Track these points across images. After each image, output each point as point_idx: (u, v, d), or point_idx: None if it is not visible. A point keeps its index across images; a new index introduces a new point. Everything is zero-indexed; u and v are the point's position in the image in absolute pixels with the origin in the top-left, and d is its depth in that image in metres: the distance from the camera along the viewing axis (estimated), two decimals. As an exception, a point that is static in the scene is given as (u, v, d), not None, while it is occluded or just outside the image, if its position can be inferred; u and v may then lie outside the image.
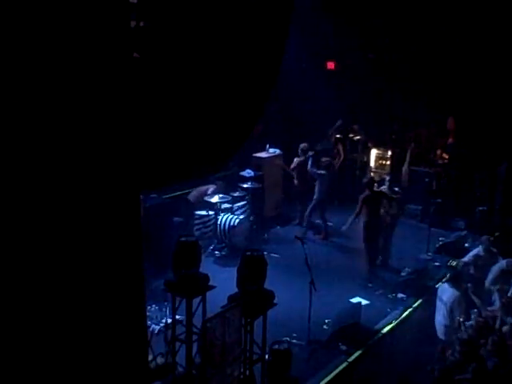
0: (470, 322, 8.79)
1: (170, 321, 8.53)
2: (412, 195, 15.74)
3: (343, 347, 9.97)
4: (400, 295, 11.80)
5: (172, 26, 4.29)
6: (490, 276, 10.23)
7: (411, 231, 14.79)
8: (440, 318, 9.48)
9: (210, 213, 13.51)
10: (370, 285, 12.17)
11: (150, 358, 7.94)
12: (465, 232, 14.66)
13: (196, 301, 7.72)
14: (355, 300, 11.31)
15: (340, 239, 14.45)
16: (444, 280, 10.43)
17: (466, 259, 10.99)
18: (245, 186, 14.45)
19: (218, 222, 13.37)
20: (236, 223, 13.29)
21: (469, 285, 9.72)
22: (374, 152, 17.37)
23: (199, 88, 4.52)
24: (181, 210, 13.42)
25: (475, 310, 9.22)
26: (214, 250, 13.36)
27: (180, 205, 13.54)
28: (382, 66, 17.56)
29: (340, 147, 17.14)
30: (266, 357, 7.95)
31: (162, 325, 9.06)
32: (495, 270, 10.28)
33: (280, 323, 9.49)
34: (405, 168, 15.90)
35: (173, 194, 13.58)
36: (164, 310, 9.14)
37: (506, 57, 15.35)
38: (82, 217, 3.48)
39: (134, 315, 3.94)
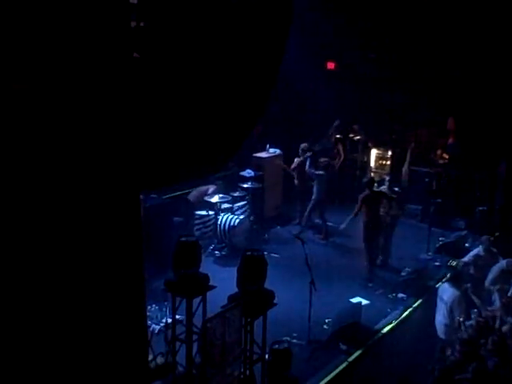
0: (470, 322, 8.79)
1: (170, 320, 8.53)
2: (412, 195, 15.75)
3: (343, 347, 9.97)
4: (400, 295, 11.80)
5: (172, 27, 4.29)
6: (490, 276, 10.22)
7: (411, 231, 14.79)
8: (440, 317, 9.48)
9: (210, 213, 13.51)
10: (370, 284, 12.17)
11: (150, 357, 7.95)
12: (465, 232, 14.65)
13: (196, 301, 7.72)
14: (355, 300, 11.31)
15: (340, 239, 14.46)
16: (444, 280, 10.43)
17: (466, 259, 10.99)
18: (245, 185, 14.46)
19: (218, 222, 13.38)
20: (236, 223, 13.30)
21: (468, 285, 9.71)
22: (374, 152, 17.38)
23: (199, 88, 4.52)
24: (181, 210, 13.42)
25: (475, 310, 9.22)
26: (214, 249, 13.36)
27: (180, 205, 13.54)
28: (382, 65, 17.55)
29: (340, 147, 17.16)
30: (266, 357, 7.95)
31: (162, 324, 9.06)
32: (495, 269, 10.28)
33: (280, 323, 9.49)
34: (405, 168, 15.90)
35: (173, 194, 13.58)
36: (164, 309, 9.14)
37: (505, 57, 15.35)
38: (83, 217, 3.48)
39: (135, 315, 3.95)
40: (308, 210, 14.67)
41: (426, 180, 15.83)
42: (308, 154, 14.85)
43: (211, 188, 13.82)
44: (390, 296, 11.77)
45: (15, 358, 3.32)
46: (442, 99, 16.74)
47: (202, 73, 4.52)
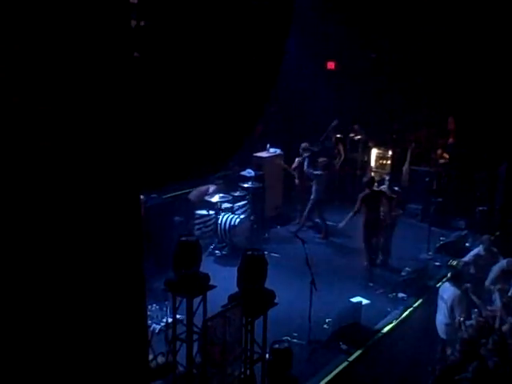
0: (471, 322, 8.79)
1: (170, 320, 8.54)
2: (412, 195, 15.78)
3: (343, 347, 9.97)
4: (400, 295, 11.80)
5: (172, 26, 4.29)
6: (491, 275, 10.23)
7: (412, 231, 14.80)
8: (441, 317, 9.49)
9: (211, 212, 13.52)
10: (371, 284, 12.18)
11: (151, 357, 7.95)
12: (465, 232, 14.66)
13: (196, 300, 7.72)
14: (356, 299, 11.32)
15: (340, 239, 14.47)
16: (445, 279, 10.44)
17: (466, 259, 11.00)
18: (245, 185, 14.47)
19: (219, 222, 13.38)
20: (236, 223, 13.30)
21: (468, 285, 9.72)
22: (374, 152, 17.39)
23: (199, 88, 4.53)
24: (181, 210, 13.43)
25: (476, 310, 9.22)
26: (214, 249, 13.37)
27: (181, 204, 13.55)
28: (383, 65, 17.56)
29: (340, 147, 17.18)
30: (267, 356, 7.96)
31: (162, 324, 9.06)
32: (496, 269, 10.29)
33: (280, 323, 9.49)
34: (405, 168, 15.93)
35: (173, 194, 13.58)
36: (164, 309, 9.14)
37: (505, 57, 15.35)
38: (83, 217, 3.48)
39: (135, 314, 3.95)
40: (307, 209, 14.68)
41: (427, 180, 15.83)
42: (306, 154, 14.88)
43: (212, 188, 13.83)
44: (390, 296, 11.78)
45: (15, 358, 3.32)
46: (443, 99, 16.75)
47: (203, 72, 4.53)
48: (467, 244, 13.93)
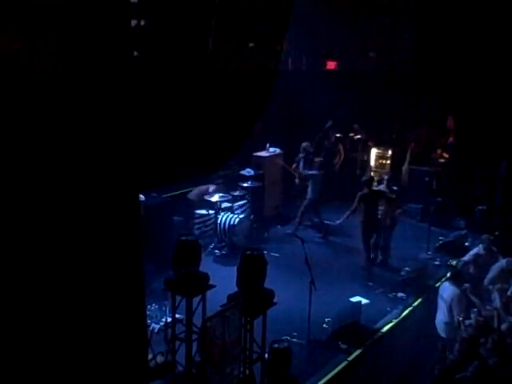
0: (470, 321, 8.80)
1: (169, 320, 8.53)
2: (412, 194, 15.77)
3: (343, 346, 9.97)
4: (400, 294, 11.80)
5: (172, 25, 4.29)
6: (490, 274, 10.24)
7: (411, 230, 14.80)
8: (441, 316, 9.50)
9: (210, 212, 13.51)
10: (370, 284, 12.18)
11: (150, 356, 7.95)
12: (465, 231, 14.66)
13: (196, 300, 7.72)
14: (355, 299, 11.31)
15: (340, 238, 14.47)
16: (445, 278, 10.45)
17: (466, 258, 11.01)
18: (245, 185, 14.46)
19: (218, 221, 13.37)
20: (236, 222, 13.30)
21: (467, 285, 9.72)
22: (374, 151, 17.39)
23: (199, 87, 4.52)
24: (181, 209, 13.42)
25: (475, 310, 9.23)
26: (214, 248, 13.36)
27: (180, 204, 13.54)
28: (383, 65, 17.56)
29: (340, 146, 17.18)
30: (266, 356, 7.96)
31: (161, 324, 9.06)
32: (495, 268, 10.30)
33: (280, 322, 9.49)
34: (405, 167, 15.93)
35: (173, 193, 13.57)
36: (164, 308, 9.13)
37: (505, 57, 15.35)
38: (82, 216, 3.48)
39: (134, 314, 3.95)
40: (302, 209, 14.67)
41: (426, 179, 15.84)
42: (301, 155, 14.92)
43: (211, 187, 13.82)
44: (389, 295, 11.78)
45: (15, 358, 3.32)
46: (442, 98, 16.74)
47: (202, 72, 4.52)
48: (467, 243, 13.93)
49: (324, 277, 11.21)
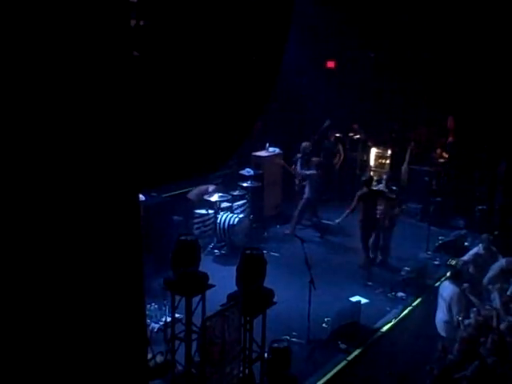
0: (469, 320, 8.80)
1: (169, 319, 8.54)
2: (412, 194, 15.79)
3: (343, 346, 9.98)
4: (399, 294, 11.81)
5: (172, 25, 4.29)
6: (490, 274, 10.25)
7: (411, 230, 14.82)
8: (441, 315, 9.52)
9: (210, 211, 13.52)
10: (370, 283, 12.19)
11: (150, 356, 7.95)
12: (464, 231, 14.68)
13: (195, 299, 7.72)
14: (355, 299, 11.33)
15: (340, 238, 14.48)
16: (444, 278, 10.46)
17: (465, 258, 11.02)
18: (244, 184, 14.48)
19: (218, 221, 13.38)
20: (236, 222, 13.31)
21: (466, 285, 9.73)
22: (373, 151, 17.41)
23: (199, 87, 4.52)
24: (181, 209, 13.43)
25: (474, 309, 9.23)
26: (213, 248, 13.37)
27: (180, 203, 13.55)
28: (382, 65, 17.55)
29: (340, 146, 17.20)
30: (266, 355, 7.96)
31: (161, 323, 9.08)
32: (495, 268, 10.31)
33: (279, 322, 9.50)
34: (404, 167, 15.94)
35: (173, 193, 13.58)
36: (163, 308, 9.15)
37: (505, 56, 15.35)
38: (82, 216, 3.48)
39: (134, 313, 3.95)
40: (299, 208, 14.68)
41: (426, 179, 15.86)
42: (298, 155, 14.95)
43: (211, 187, 13.83)
44: (389, 295, 11.79)
45: (14, 357, 3.32)
46: (442, 98, 16.74)
47: (202, 71, 4.52)
48: (466, 243, 13.95)
49: (323, 276, 11.22)
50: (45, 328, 3.40)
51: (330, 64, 18.78)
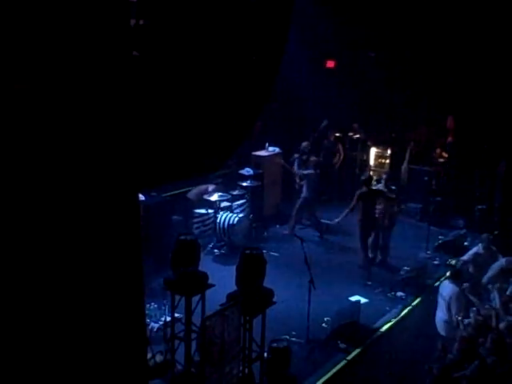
0: (469, 320, 8.80)
1: (169, 319, 8.54)
2: (411, 194, 15.79)
3: (342, 345, 9.98)
4: (399, 293, 11.81)
5: (172, 25, 4.29)
6: (489, 273, 10.24)
7: (411, 230, 14.82)
8: (441, 314, 9.52)
9: (210, 211, 13.51)
10: (369, 283, 12.18)
11: (149, 355, 7.95)
12: (464, 230, 14.67)
13: (195, 299, 7.72)
14: (354, 298, 11.32)
15: (339, 238, 14.48)
16: (444, 277, 10.47)
17: (465, 257, 11.01)
18: (244, 184, 14.47)
19: (218, 221, 13.38)
20: (235, 221, 13.30)
21: (466, 284, 9.73)
22: (373, 150, 17.41)
23: (199, 86, 4.52)
24: (180, 209, 13.43)
25: (474, 309, 9.24)
26: (213, 248, 13.37)
27: (179, 203, 13.55)
28: (382, 64, 17.55)
29: (340, 146, 17.19)
30: (265, 355, 7.96)
31: (161, 323, 9.08)
32: (495, 267, 10.30)
33: (279, 321, 9.49)
34: (404, 167, 15.94)
35: (172, 193, 13.58)
36: (163, 308, 9.15)
37: (505, 56, 15.35)
38: (82, 215, 3.48)
39: (134, 313, 3.95)
40: (296, 207, 14.68)
41: (426, 179, 15.85)
42: (295, 155, 14.95)
43: (211, 186, 13.83)
44: (388, 294, 11.79)
45: (15, 357, 3.32)
46: (442, 98, 16.74)
47: (202, 71, 4.52)
48: (466, 243, 13.95)
49: (323, 276, 11.21)
50: (45, 328, 3.40)
51: (330, 64, 18.77)
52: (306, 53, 16.78)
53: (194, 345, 7.68)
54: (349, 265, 12.89)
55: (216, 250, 13.34)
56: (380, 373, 9.15)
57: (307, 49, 16.78)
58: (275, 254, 13.11)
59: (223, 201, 13.66)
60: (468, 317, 8.97)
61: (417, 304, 11.64)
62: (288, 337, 9.68)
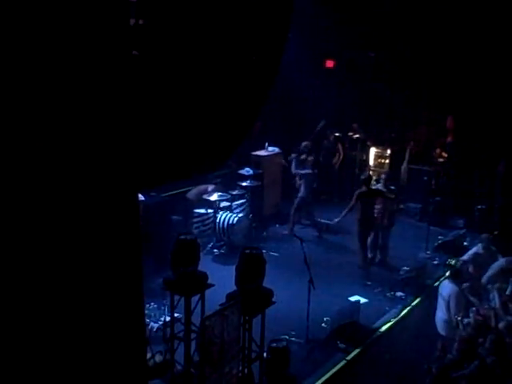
0: (468, 320, 8.80)
1: (168, 319, 8.54)
2: (411, 194, 15.79)
3: (342, 345, 9.98)
4: (399, 293, 11.81)
5: (171, 24, 4.28)
6: (489, 273, 10.24)
7: (410, 230, 14.83)
8: (440, 313, 9.52)
9: (209, 211, 13.52)
10: (369, 283, 12.19)
11: (149, 355, 7.95)
12: (464, 230, 14.68)
13: (195, 299, 7.72)
14: (354, 298, 11.33)
15: (339, 237, 14.48)
16: (444, 277, 10.47)
17: (465, 257, 11.00)
18: (244, 184, 14.48)
19: (217, 220, 13.38)
20: (235, 221, 13.31)
21: (466, 284, 9.73)
22: (373, 150, 17.41)
23: (198, 86, 4.52)
24: (180, 208, 13.43)
25: (473, 309, 9.24)
26: (212, 248, 13.37)
27: (179, 203, 13.55)
28: (382, 64, 17.55)
29: (339, 146, 17.20)
30: (265, 355, 7.96)
31: (160, 323, 9.08)
32: (494, 267, 10.30)
33: (279, 321, 9.49)
34: (404, 166, 15.93)
35: (172, 192, 13.58)
36: (162, 307, 9.15)
37: (504, 56, 15.35)
38: (81, 215, 3.48)
39: (133, 313, 3.95)
40: (294, 207, 14.69)
41: (425, 178, 15.85)
42: (293, 155, 14.97)
43: (210, 186, 13.83)
44: (388, 294, 11.79)
45: (14, 357, 3.32)
46: (442, 98, 16.74)
47: (202, 71, 4.52)
48: (466, 243, 13.95)
49: (323, 276, 11.21)
50: (44, 327, 3.40)
51: (330, 63, 18.76)
52: (306, 53, 16.78)
53: (193, 345, 7.67)
54: (348, 265, 12.89)
55: (215, 250, 13.34)
56: (380, 373, 9.15)
57: (307, 49, 16.77)
58: (275, 254, 13.11)
59: (223, 201, 13.67)
60: (468, 317, 8.97)
61: (416, 304, 11.65)
62: (287, 337, 9.68)
